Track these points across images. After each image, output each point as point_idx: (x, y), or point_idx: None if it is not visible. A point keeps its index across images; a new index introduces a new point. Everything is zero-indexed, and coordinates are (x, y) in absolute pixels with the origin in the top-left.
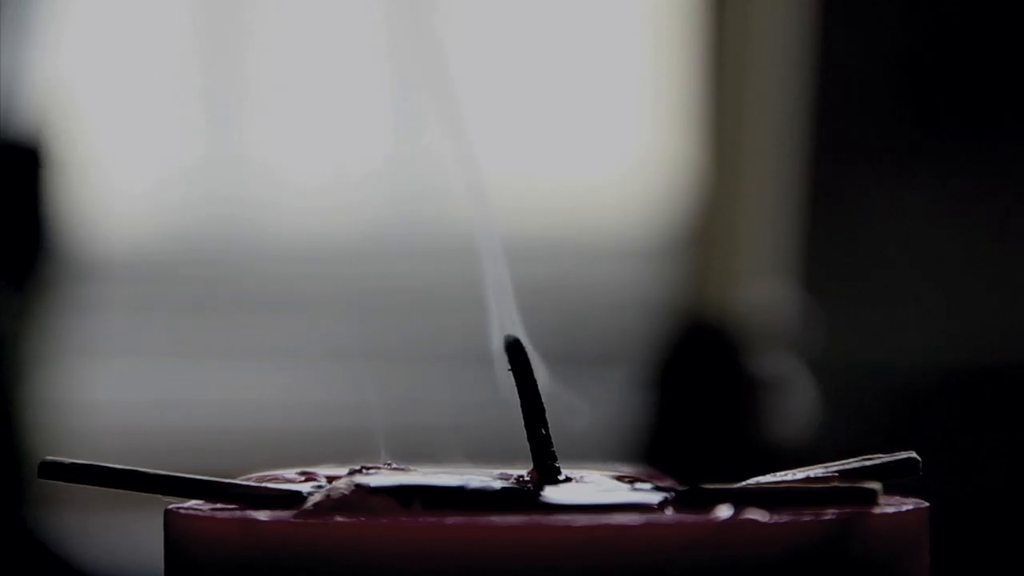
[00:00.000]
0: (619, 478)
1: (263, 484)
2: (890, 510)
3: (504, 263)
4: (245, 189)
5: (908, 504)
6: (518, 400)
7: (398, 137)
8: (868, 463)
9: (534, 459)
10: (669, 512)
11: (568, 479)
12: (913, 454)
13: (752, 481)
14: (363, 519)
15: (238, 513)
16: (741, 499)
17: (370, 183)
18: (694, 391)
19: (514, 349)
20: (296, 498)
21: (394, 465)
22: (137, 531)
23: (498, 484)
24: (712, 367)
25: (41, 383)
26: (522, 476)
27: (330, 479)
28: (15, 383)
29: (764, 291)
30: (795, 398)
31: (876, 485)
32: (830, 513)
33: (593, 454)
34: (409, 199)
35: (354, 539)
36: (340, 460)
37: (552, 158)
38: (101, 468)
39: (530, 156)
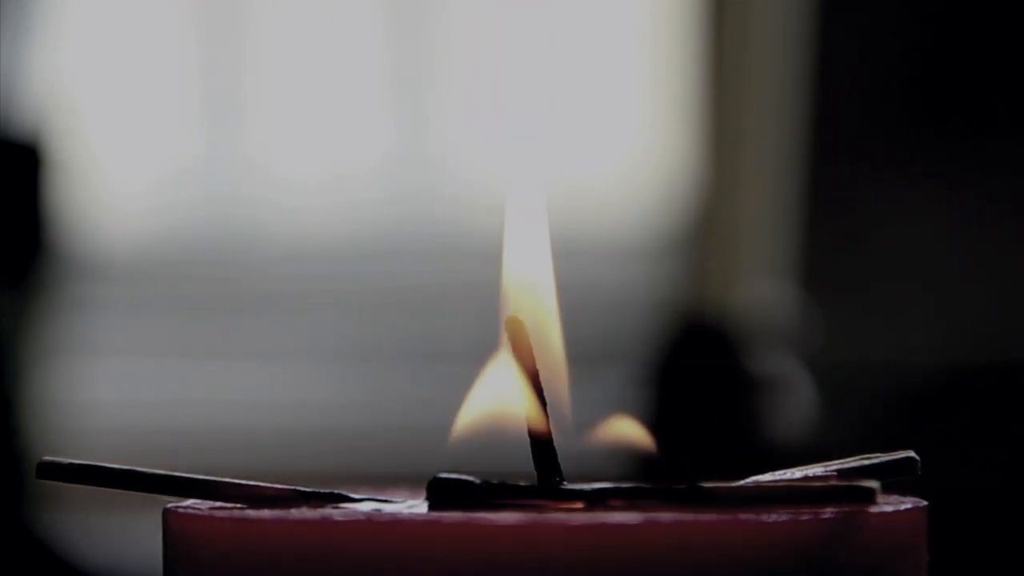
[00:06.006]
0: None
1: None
2: (888, 509)
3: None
4: (245, 189)
5: (906, 503)
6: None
7: (397, 136)
8: (867, 462)
9: (536, 464)
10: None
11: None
12: (911, 453)
13: (751, 480)
14: (362, 518)
15: (237, 513)
16: (740, 498)
17: (370, 182)
18: (694, 390)
19: (520, 350)
20: (295, 497)
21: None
22: (136, 531)
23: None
24: (712, 367)
25: (41, 383)
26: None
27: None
28: (15, 383)
29: (764, 291)
30: (794, 398)
31: (874, 484)
32: (829, 512)
33: (593, 454)
34: (409, 198)
35: (353, 539)
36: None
37: (552, 158)
38: (99, 468)
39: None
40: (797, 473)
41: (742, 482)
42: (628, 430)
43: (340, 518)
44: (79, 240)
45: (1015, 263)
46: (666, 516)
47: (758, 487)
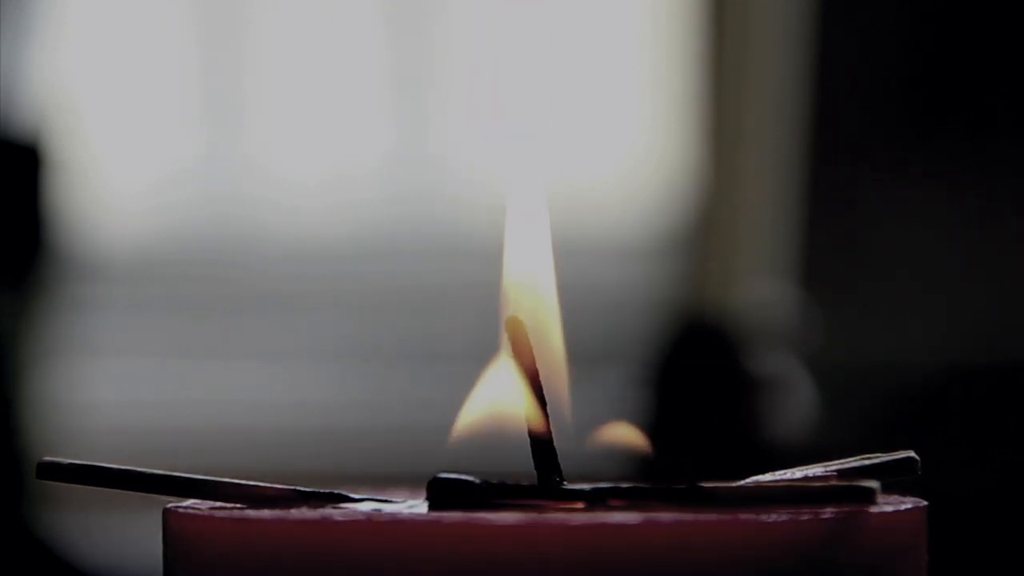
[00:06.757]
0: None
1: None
2: (888, 509)
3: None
4: (245, 189)
5: (906, 503)
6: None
7: (397, 136)
8: (867, 462)
9: (536, 464)
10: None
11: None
12: (911, 453)
13: (751, 480)
14: (362, 518)
15: (237, 512)
16: (740, 498)
17: (370, 182)
18: (694, 391)
19: (520, 349)
20: (295, 497)
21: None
22: (136, 531)
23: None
24: (712, 367)
25: (41, 383)
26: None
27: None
28: (15, 383)
29: (764, 291)
30: (794, 398)
31: (874, 484)
32: (829, 512)
33: (593, 455)
34: (409, 198)
35: (353, 539)
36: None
37: (552, 158)
38: (99, 468)
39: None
40: (797, 473)
41: (742, 482)
42: (625, 434)
43: (340, 518)
44: (79, 240)
45: (1015, 263)
46: (666, 516)
47: (758, 487)
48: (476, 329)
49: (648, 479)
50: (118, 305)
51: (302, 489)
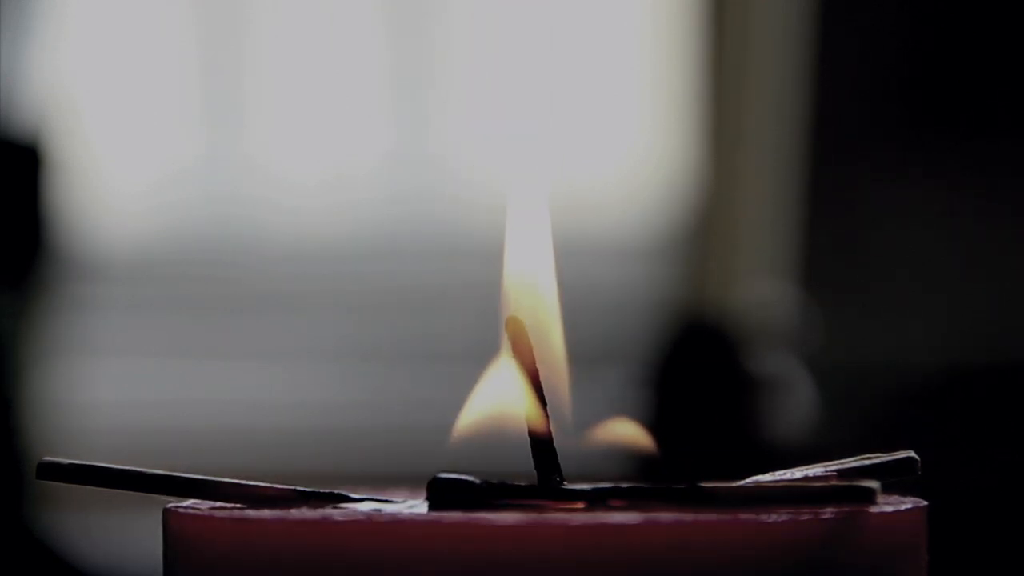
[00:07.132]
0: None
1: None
2: (888, 509)
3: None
4: (245, 189)
5: (906, 503)
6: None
7: (397, 136)
8: (867, 462)
9: (536, 464)
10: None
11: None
12: (911, 453)
13: (751, 480)
14: (362, 518)
15: (237, 512)
16: (740, 498)
17: (370, 182)
18: (694, 391)
19: (520, 349)
20: (295, 497)
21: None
22: (136, 531)
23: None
24: (712, 367)
25: (41, 383)
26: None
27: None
28: (15, 383)
29: (764, 291)
30: (794, 398)
31: (875, 484)
32: (828, 512)
33: (593, 454)
34: (409, 198)
35: (353, 539)
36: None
37: (552, 158)
38: (99, 468)
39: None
40: (797, 473)
41: (742, 482)
42: (627, 431)
43: (340, 518)
44: (79, 240)
45: (1015, 263)
46: (666, 516)
47: (758, 487)
48: (476, 329)
49: (648, 479)
50: (118, 305)
51: (302, 489)
